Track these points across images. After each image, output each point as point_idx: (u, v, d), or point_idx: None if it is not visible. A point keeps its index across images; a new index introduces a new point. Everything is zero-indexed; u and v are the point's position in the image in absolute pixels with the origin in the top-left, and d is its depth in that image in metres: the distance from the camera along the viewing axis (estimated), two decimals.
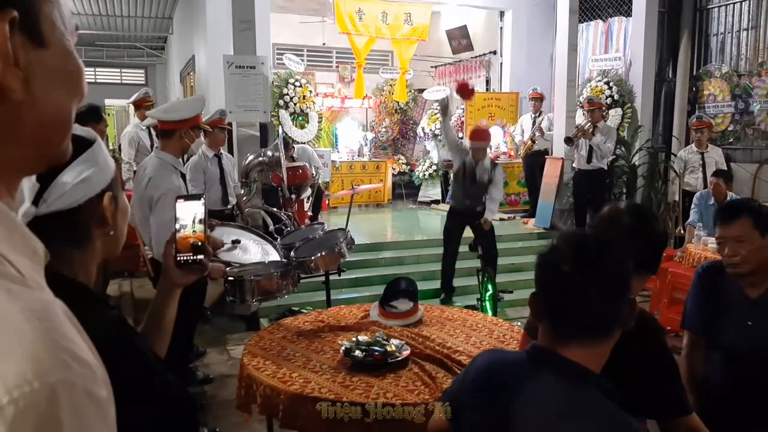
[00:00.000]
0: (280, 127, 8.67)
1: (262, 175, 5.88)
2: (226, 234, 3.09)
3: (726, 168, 6.25)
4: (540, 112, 8.24)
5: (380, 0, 8.94)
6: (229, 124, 5.81)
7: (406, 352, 2.44)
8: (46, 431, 0.42)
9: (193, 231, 1.19)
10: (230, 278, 2.99)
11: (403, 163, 10.88)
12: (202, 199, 1.21)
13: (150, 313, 1.24)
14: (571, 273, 1.14)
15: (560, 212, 7.49)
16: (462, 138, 9.25)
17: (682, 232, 6.10)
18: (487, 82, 10.27)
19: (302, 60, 10.12)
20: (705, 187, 5.95)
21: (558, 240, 1.23)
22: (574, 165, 7.23)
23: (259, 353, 2.55)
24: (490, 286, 5.01)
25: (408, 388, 2.20)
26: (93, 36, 13.08)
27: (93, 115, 4.64)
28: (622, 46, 8.44)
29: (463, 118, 9.48)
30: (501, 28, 9.85)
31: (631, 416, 1.12)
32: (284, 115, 8.85)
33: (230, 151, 5.96)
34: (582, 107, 7.44)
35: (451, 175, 5.97)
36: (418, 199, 10.25)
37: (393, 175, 10.58)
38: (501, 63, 9.93)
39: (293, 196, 5.89)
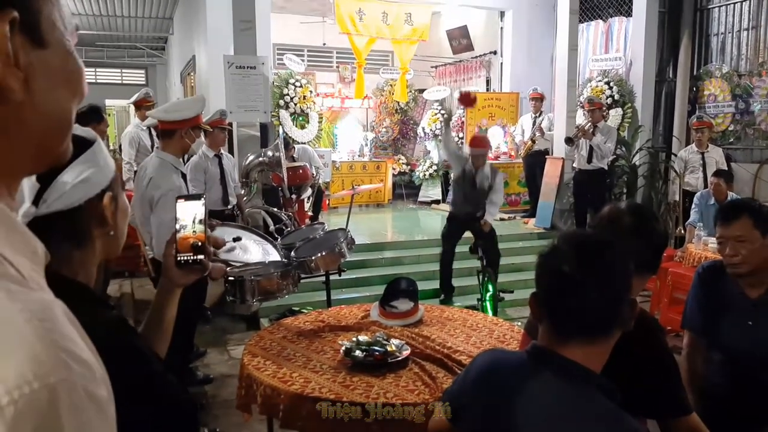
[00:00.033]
0: (280, 127, 8.67)
1: (263, 175, 5.88)
2: (226, 234, 3.08)
3: (726, 168, 6.25)
4: (540, 112, 8.24)
5: (381, 0, 8.94)
6: (230, 124, 5.81)
7: (406, 352, 2.44)
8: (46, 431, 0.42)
9: (193, 231, 1.19)
10: (230, 278, 2.99)
11: (403, 163, 10.88)
12: (203, 199, 1.21)
13: (150, 313, 1.24)
14: (571, 273, 1.14)
15: (560, 212, 7.48)
16: (462, 139, 9.27)
17: (682, 232, 6.09)
18: (488, 82, 10.27)
19: (303, 60, 10.13)
20: (705, 187, 5.95)
21: (558, 240, 1.23)
22: (574, 165, 7.23)
23: (260, 353, 2.55)
24: (490, 287, 5.01)
25: (408, 388, 2.19)
26: (93, 36, 13.08)
27: (94, 116, 4.64)
28: (623, 46, 8.44)
29: (463, 119, 9.48)
30: (501, 28, 9.85)
31: (631, 416, 1.12)
32: (284, 115, 8.86)
33: (230, 151, 5.97)
34: (582, 107, 7.44)
35: (452, 176, 5.96)
36: (419, 199, 10.25)
37: (393, 175, 10.58)
38: (501, 63, 9.93)
39: (293, 196, 5.89)
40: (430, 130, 10.16)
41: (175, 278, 1.21)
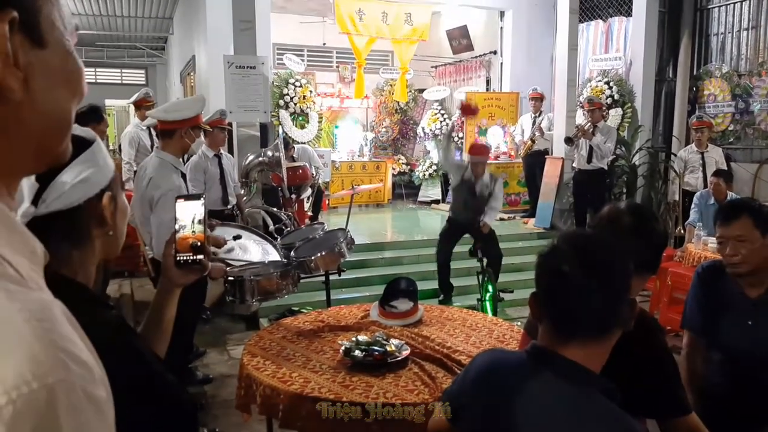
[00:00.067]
0: (280, 127, 8.67)
1: (262, 175, 5.88)
2: (226, 234, 3.09)
3: (726, 168, 6.24)
4: (540, 112, 8.24)
5: (380, 0, 8.94)
6: (229, 124, 5.81)
7: (405, 352, 2.44)
8: None
9: (193, 231, 1.19)
10: (230, 278, 3.00)
11: (403, 163, 10.88)
12: (202, 199, 1.21)
13: (150, 313, 1.24)
14: (571, 273, 1.14)
15: (560, 212, 7.48)
16: (461, 140, 9.27)
17: (682, 232, 6.09)
18: (487, 82, 10.27)
19: (302, 60, 10.13)
20: (705, 186, 5.95)
21: (558, 240, 1.23)
22: (574, 165, 7.23)
23: (259, 353, 2.55)
24: (490, 287, 5.00)
25: (408, 388, 2.19)
26: (93, 36, 13.08)
27: (93, 116, 4.64)
28: (623, 46, 8.44)
29: (463, 119, 9.48)
30: (501, 28, 9.85)
31: (631, 416, 1.12)
32: (284, 115, 8.86)
33: (230, 151, 5.97)
34: (582, 107, 7.44)
35: (450, 183, 5.93)
36: (418, 199, 10.25)
37: (393, 175, 10.58)
38: (501, 63, 9.93)
39: (293, 196, 5.89)
40: (430, 130, 10.16)
41: (174, 278, 1.21)
